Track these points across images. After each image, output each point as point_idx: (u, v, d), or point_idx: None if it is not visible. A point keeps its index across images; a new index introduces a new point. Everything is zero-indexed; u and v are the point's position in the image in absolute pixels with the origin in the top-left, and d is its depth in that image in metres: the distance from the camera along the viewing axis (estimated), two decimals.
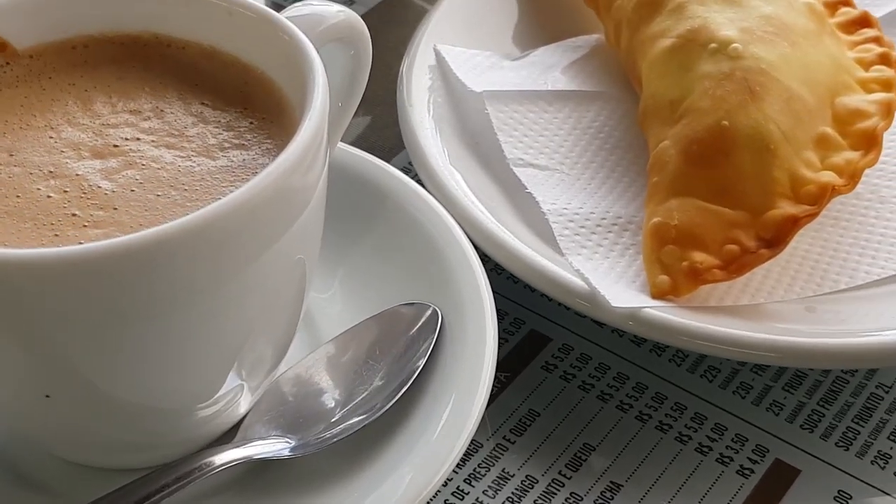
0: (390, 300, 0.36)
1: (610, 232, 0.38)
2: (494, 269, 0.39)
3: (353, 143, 0.40)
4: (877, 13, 0.45)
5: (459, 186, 0.39)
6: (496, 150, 0.41)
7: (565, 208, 0.39)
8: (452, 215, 0.37)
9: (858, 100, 0.38)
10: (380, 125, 0.45)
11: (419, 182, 0.39)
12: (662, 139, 0.38)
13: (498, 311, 0.35)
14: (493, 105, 0.41)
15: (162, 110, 0.33)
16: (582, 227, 0.38)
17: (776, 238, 0.36)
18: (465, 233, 0.37)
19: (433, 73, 0.43)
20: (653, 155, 0.38)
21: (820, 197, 0.36)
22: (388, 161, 0.44)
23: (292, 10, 0.35)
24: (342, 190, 0.37)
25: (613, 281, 0.36)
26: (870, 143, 0.37)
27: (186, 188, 0.31)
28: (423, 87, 0.43)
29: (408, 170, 0.42)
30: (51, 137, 0.32)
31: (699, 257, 0.36)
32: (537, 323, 0.39)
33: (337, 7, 0.35)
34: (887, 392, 0.37)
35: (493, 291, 0.35)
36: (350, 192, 0.38)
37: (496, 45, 0.45)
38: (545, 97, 0.42)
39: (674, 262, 0.36)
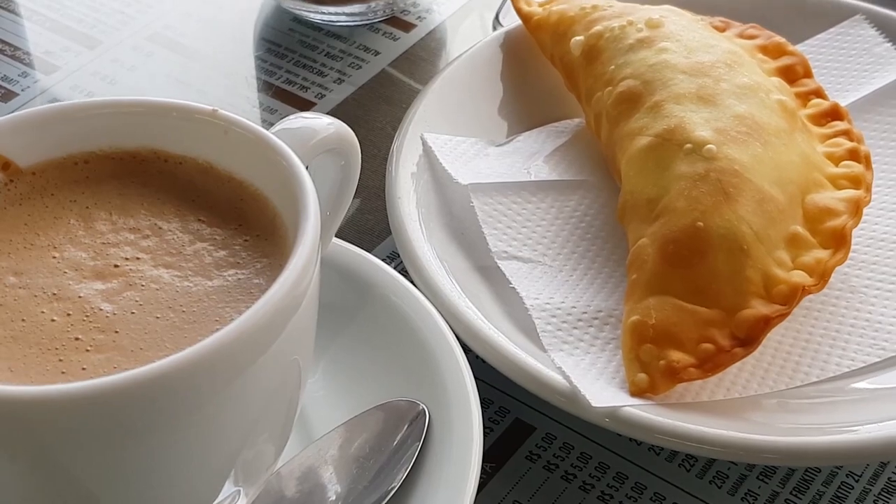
0: (373, 394, 0.38)
1: (591, 326, 0.40)
2: (480, 357, 0.40)
3: (343, 225, 0.42)
4: (849, 98, 0.47)
5: (445, 278, 0.40)
6: (482, 241, 0.42)
7: (548, 303, 0.40)
8: (437, 308, 0.39)
9: (828, 197, 0.40)
10: (369, 209, 0.46)
11: (406, 270, 0.41)
12: (641, 236, 0.40)
13: (483, 399, 0.37)
14: (479, 198, 0.43)
15: (160, 227, 0.34)
16: (564, 321, 0.40)
17: (749, 337, 0.37)
18: (450, 326, 0.38)
19: (420, 161, 0.45)
20: (632, 252, 0.40)
21: (791, 297, 0.38)
22: (376, 245, 0.46)
23: (286, 123, 0.36)
24: (327, 280, 0.38)
25: (594, 378, 0.38)
26: (839, 241, 0.39)
27: (184, 310, 0.32)
28: (411, 176, 0.44)
29: (395, 255, 0.44)
30: (54, 257, 0.33)
31: (676, 356, 0.37)
32: (521, 411, 0.40)
33: (327, 120, 0.36)
34: (857, 481, 0.39)
35: (478, 379, 0.37)
36: (335, 282, 0.40)
37: (483, 128, 0.47)
38: (528, 188, 0.44)
39: (652, 361, 0.37)
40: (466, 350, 0.38)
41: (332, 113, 0.51)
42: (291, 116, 0.37)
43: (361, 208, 0.47)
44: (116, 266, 0.33)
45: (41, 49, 0.53)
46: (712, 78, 0.42)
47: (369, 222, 0.46)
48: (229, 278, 0.33)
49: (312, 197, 0.33)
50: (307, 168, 0.35)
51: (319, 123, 0.36)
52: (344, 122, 0.50)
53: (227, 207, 0.35)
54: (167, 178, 0.35)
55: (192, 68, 0.53)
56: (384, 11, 0.55)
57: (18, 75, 0.52)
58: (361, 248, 0.45)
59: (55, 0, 0.56)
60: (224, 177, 0.35)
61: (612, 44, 0.45)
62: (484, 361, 0.39)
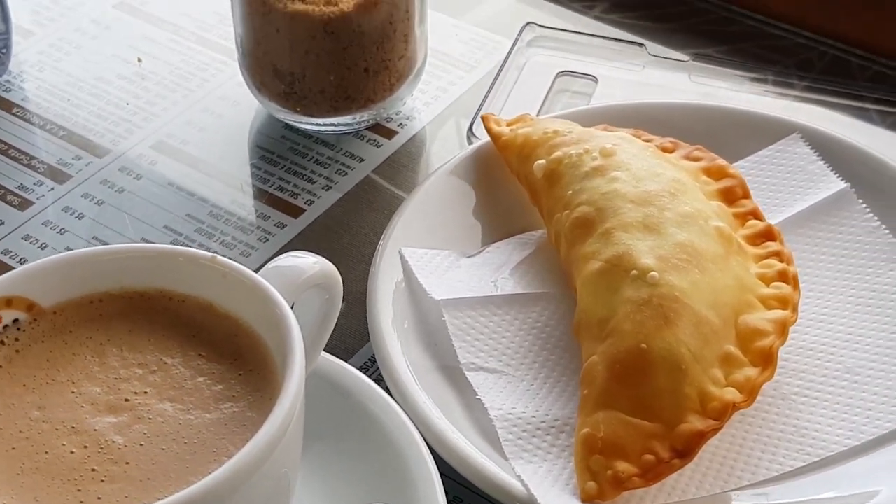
0: (349, 498, 0.43)
1: (548, 434, 0.45)
2: None
3: None
4: (784, 214, 0.52)
5: (417, 389, 0.45)
6: (453, 350, 0.47)
7: (510, 412, 0.45)
8: (409, 417, 0.44)
9: (758, 318, 0.45)
10: (353, 313, 0.51)
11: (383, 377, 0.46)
12: (592, 353, 0.45)
13: (452, 498, 0.42)
14: (450, 312, 0.48)
15: (165, 362, 0.39)
16: (524, 430, 0.45)
17: (686, 449, 0.42)
18: (421, 434, 0.43)
19: (399, 274, 0.50)
20: (584, 368, 0.45)
21: (723, 413, 0.43)
22: (358, 349, 0.51)
23: (277, 262, 0.41)
24: (308, 388, 0.43)
25: (550, 485, 0.43)
26: (767, 360, 0.44)
27: (186, 441, 0.37)
28: (390, 290, 0.49)
29: (374, 360, 0.49)
30: (72, 392, 0.38)
31: (621, 466, 0.42)
32: None
33: (313, 259, 0.41)
34: None
35: (448, 477, 0.42)
36: (315, 391, 0.44)
37: (457, 238, 0.52)
38: (495, 301, 0.49)
39: (600, 470, 0.42)
40: (438, 455, 0.43)
41: (321, 220, 0.56)
42: (283, 255, 0.42)
43: (346, 313, 0.51)
44: (127, 400, 0.38)
45: (55, 158, 0.58)
46: (657, 207, 0.47)
47: (353, 326, 0.51)
48: (225, 411, 0.38)
49: (298, 337, 0.38)
50: (295, 305, 0.40)
51: (306, 262, 0.41)
52: (331, 228, 0.55)
53: (224, 343, 0.40)
54: (172, 316, 0.40)
55: (194, 176, 0.57)
56: (368, 121, 0.60)
57: (34, 184, 0.57)
58: (345, 350, 0.50)
59: (67, 110, 0.61)
60: (222, 315, 0.40)
61: (570, 170, 0.50)
62: None
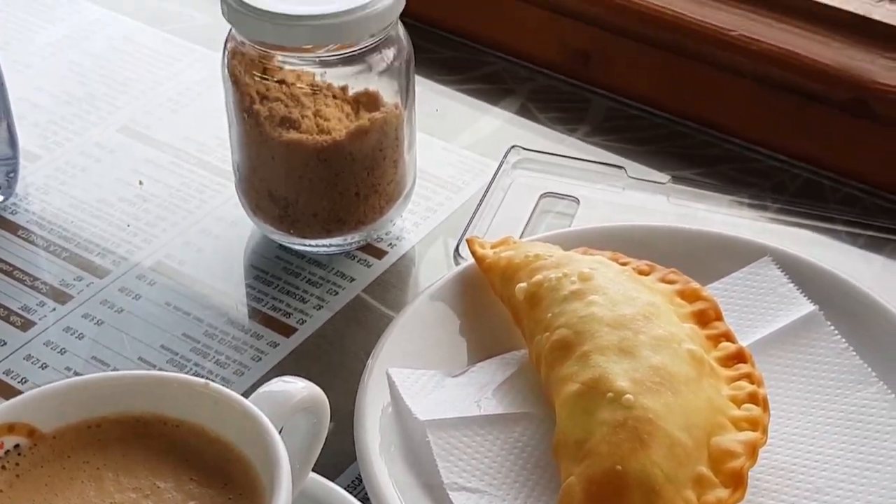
0: None
1: None
2: None
3: None
4: (755, 335, 0.54)
5: None
6: (437, 472, 0.49)
7: None
8: None
9: (729, 440, 0.47)
10: (342, 430, 0.53)
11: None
12: (570, 474, 0.46)
13: None
14: (434, 433, 0.50)
15: (158, 487, 0.41)
16: None
17: None
18: None
19: (385, 395, 0.52)
20: (562, 489, 0.46)
21: None
22: (346, 467, 0.52)
23: (267, 387, 0.43)
24: None
25: None
26: (737, 481, 0.46)
27: None
28: (377, 410, 0.51)
29: (360, 479, 0.50)
30: None
31: None
32: None
33: (302, 384, 0.44)
34: None
35: None
36: None
37: (443, 358, 0.54)
38: (478, 421, 0.51)
39: None
40: None
41: (312, 339, 0.58)
42: (273, 381, 0.44)
43: (335, 431, 0.53)
44: None
45: (57, 279, 0.60)
46: (632, 330, 0.49)
47: (342, 445, 0.53)
48: None
49: (285, 461, 0.40)
50: (283, 428, 0.42)
51: (295, 388, 0.44)
52: (322, 347, 0.57)
53: (215, 468, 0.42)
54: (166, 440, 0.42)
55: (190, 296, 0.60)
56: (359, 241, 0.62)
57: (36, 304, 0.59)
58: (334, 467, 0.52)
59: (70, 231, 0.63)
60: (213, 439, 0.42)
61: (549, 293, 0.52)
62: None
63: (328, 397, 0.46)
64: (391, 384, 0.52)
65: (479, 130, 0.71)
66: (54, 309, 0.59)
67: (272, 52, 0.58)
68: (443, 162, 0.68)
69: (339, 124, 0.59)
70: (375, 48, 0.59)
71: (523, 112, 0.72)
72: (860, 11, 0.65)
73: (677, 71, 0.70)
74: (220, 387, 0.42)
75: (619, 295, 0.51)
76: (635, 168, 0.67)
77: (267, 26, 0.57)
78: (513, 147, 0.67)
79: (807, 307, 0.54)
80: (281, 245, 0.62)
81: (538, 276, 0.53)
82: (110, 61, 0.74)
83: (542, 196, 0.65)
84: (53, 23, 0.77)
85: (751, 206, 0.64)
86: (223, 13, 0.58)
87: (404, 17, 0.59)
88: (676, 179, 0.66)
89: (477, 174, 0.67)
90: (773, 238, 0.60)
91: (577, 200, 0.65)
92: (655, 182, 0.66)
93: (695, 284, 0.53)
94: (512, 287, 0.54)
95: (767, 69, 0.66)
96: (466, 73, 0.75)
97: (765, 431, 0.48)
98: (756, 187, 0.66)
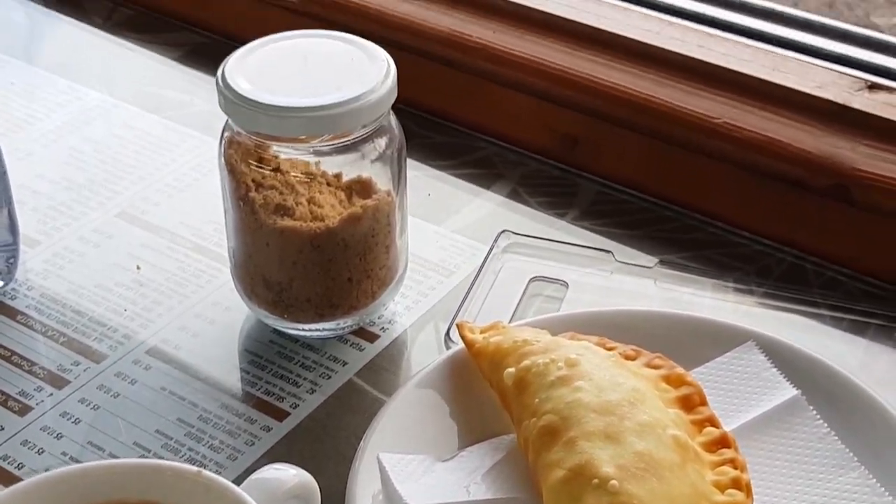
0: None
1: None
2: None
3: None
4: (739, 420, 0.55)
5: None
6: None
7: None
8: None
9: None
10: None
11: None
12: None
13: None
14: None
15: None
16: None
17: None
18: None
19: (376, 480, 0.53)
20: None
21: None
22: None
23: (259, 474, 0.45)
24: None
25: None
26: None
27: None
28: (367, 495, 0.52)
29: None
30: None
31: None
32: None
33: (293, 471, 0.45)
34: None
35: None
36: None
37: (434, 442, 0.55)
38: None
39: None
40: None
41: (305, 424, 0.59)
42: (265, 467, 0.45)
43: None
44: None
45: (54, 364, 0.62)
46: (617, 416, 0.50)
47: None
48: None
49: None
50: None
51: (286, 474, 0.45)
52: (314, 431, 0.58)
53: None
54: None
55: (185, 381, 0.61)
56: (352, 325, 0.63)
57: (34, 390, 0.60)
58: None
59: (68, 316, 0.64)
60: None
61: (537, 378, 0.53)
62: None
63: (320, 482, 0.47)
64: (381, 469, 0.53)
65: (471, 214, 0.72)
66: (51, 394, 0.60)
67: (268, 142, 0.60)
68: (434, 246, 0.70)
69: (333, 211, 0.61)
70: (368, 138, 0.60)
71: (514, 196, 0.74)
72: (839, 100, 0.67)
73: (663, 156, 0.72)
74: (213, 475, 0.43)
75: (605, 381, 0.52)
76: (623, 251, 0.68)
77: (262, 118, 0.58)
78: (503, 232, 0.68)
79: (789, 392, 0.55)
80: (275, 329, 0.64)
81: (526, 362, 0.54)
82: (110, 147, 0.76)
83: (532, 280, 0.67)
84: (55, 110, 0.79)
85: (736, 290, 0.65)
86: (220, 104, 0.59)
87: (397, 103, 0.61)
88: (663, 263, 0.67)
89: (468, 257, 0.69)
90: (757, 322, 0.61)
91: (566, 284, 0.66)
92: (642, 266, 0.67)
93: (680, 370, 0.55)
94: (500, 372, 0.55)
95: (751, 156, 0.68)
96: (458, 158, 0.76)
97: None
98: (741, 271, 0.67)
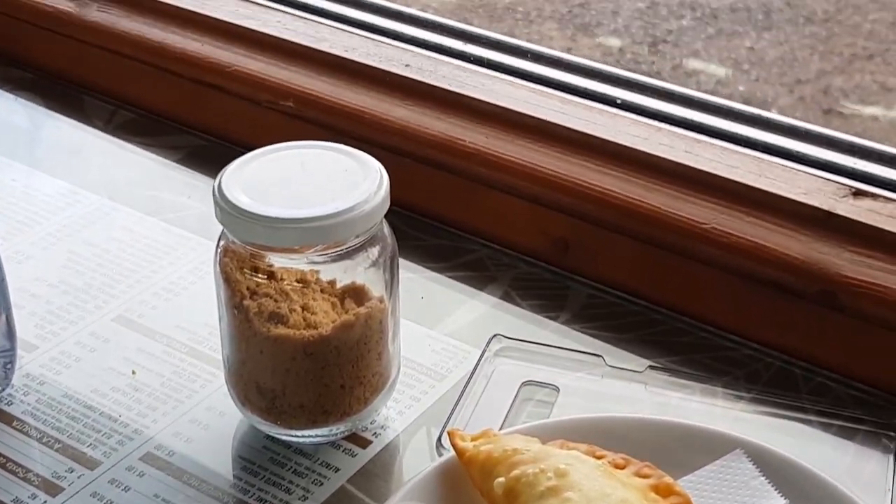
0: None
1: None
2: None
3: None
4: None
5: None
6: None
7: None
8: None
9: None
10: None
11: None
12: None
13: None
14: None
15: None
16: None
17: None
18: None
19: None
20: None
21: None
22: None
23: None
24: None
25: None
26: None
27: None
28: None
29: None
30: None
31: None
32: None
33: None
34: None
35: None
36: None
37: None
38: None
39: None
40: None
41: None
42: None
43: None
44: None
45: (49, 471, 0.62)
46: None
47: None
48: None
49: None
50: None
51: None
52: None
53: None
54: None
55: (179, 489, 0.61)
56: (345, 431, 0.64)
57: (28, 497, 0.60)
58: None
59: (63, 422, 0.65)
60: None
61: (527, 488, 0.54)
62: None
63: None
64: None
65: (463, 317, 0.73)
66: (45, 501, 0.60)
67: (263, 252, 0.61)
68: (427, 349, 0.70)
69: (326, 317, 0.62)
70: (361, 247, 0.61)
71: (506, 298, 0.75)
72: (825, 206, 0.68)
73: (653, 260, 0.73)
74: None
75: (593, 491, 0.53)
76: (614, 354, 0.69)
77: (257, 229, 0.59)
78: (495, 336, 0.69)
79: (778, 501, 0.56)
80: (268, 435, 0.64)
81: (516, 471, 0.55)
82: (108, 251, 0.77)
83: (523, 384, 0.67)
84: (55, 213, 0.80)
85: (725, 394, 0.66)
86: (216, 215, 0.60)
87: (392, 206, 0.62)
88: (653, 368, 0.68)
89: (460, 361, 0.69)
90: (747, 427, 0.62)
91: (557, 389, 0.67)
92: (633, 370, 0.68)
93: (668, 479, 0.55)
94: (491, 481, 0.55)
95: (739, 261, 0.69)
96: (451, 261, 0.77)
97: None
98: (730, 375, 0.68)
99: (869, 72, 2.94)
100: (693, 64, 3.00)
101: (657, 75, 2.97)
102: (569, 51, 3.02)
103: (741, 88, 2.91)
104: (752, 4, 3.19)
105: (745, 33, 3.10)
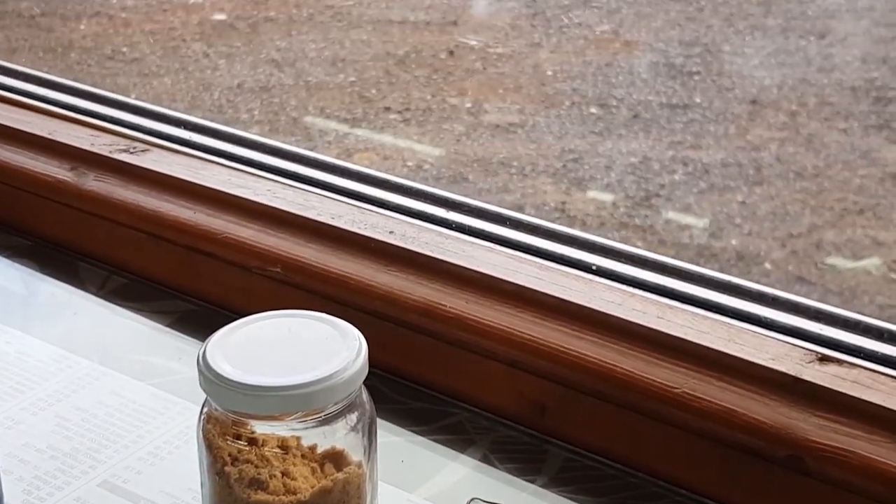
0: None
1: None
2: None
3: None
4: None
5: None
6: None
7: None
8: None
9: None
10: None
11: None
12: None
13: None
14: None
15: None
16: None
17: None
18: None
19: None
20: None
21: None
22: None
23: None
24: None
25: None
26: None
27: None
28: None
29: None
30: None
31: None
32: None
33: None
34: None
35: None
36: None
37: None
38: None
39: None
40: None
41: None
42: None
43: None
44: None
45: None
46: None
47: None
48: None
49: None
50: None
51: None
52: None
53: None
54: None
55: None
56: None
57: None
58: None
59: None
60: None
61: None
62: None
63: None
64: None
65: (443, 480, 0.74)
66: None
67: (244, 419, 0.62)
68: None
69: (306, 483, 0.63)
70: (340, 413, 0.63)
71: (485, 461, 0.76)
72: (792, 372, 0.70)
73: (628, 424, 0.75)
74: None
75: None
76: None
77: (239, 397, 0.61)
78: (472, 500, 0.70)
79: None
80: None
81: None
82: (96, 416, 0.79)
83: None
84: (46, 378, 0.82)
85: None
86: (199, 383, 0.62)
87: (374, 369, 0.64)
88: None
89: None
90: None
91: None
92: None
93: None
94: None
95: (709, 425, 0.71)
96: (431, 424, 0.79)
97: None
98: None
99: (860, 226, 3.00)
100: (686, 219, 3.05)
101: (650, 229, 3.02)
102: (563, 204, 3.08)
103: (734, 242, 2.96)
104: (742, 160, 3.26)
105: (737, 188, 3.17)
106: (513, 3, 4.18)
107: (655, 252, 0.93)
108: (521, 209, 2.92)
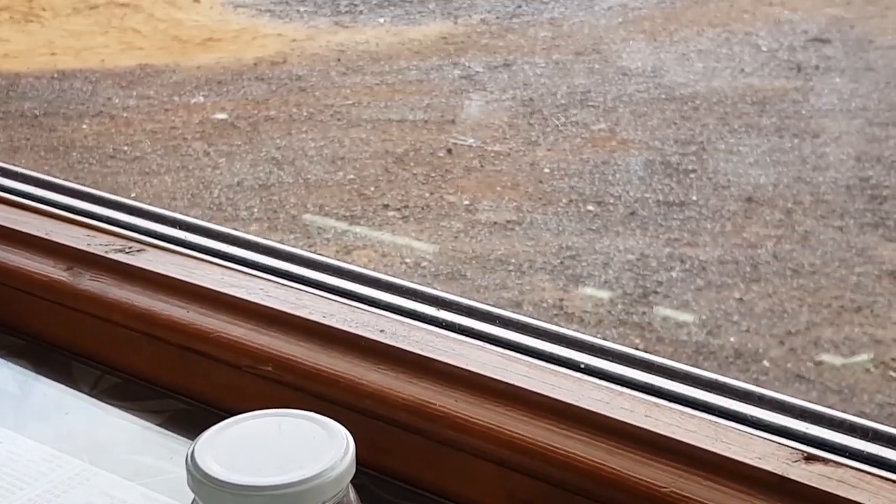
0: None
1: None
2: None
3: None
4: None
5: None
6: None
7: None
8: None
9: None
10: None
11: None
12: None
13: None
14: None
15: None
16: None
17: None
18: None
19: None
20: None
21: None
22: None
23: None
24: None
25: None
26: None
27: None
28: None
29: None
30: None
31: None
32: None
33: None
34: None
35: None
36: None
37: None
38: None
39: None
40: None
41: None
42: None
43: None
44: None
45: None
46: None
47: None
48: None
49: None
50: None
51: None
52: None
53: None
54: None
55: None
56: None
57: None
58: None
59: None
60: None
61: None
62: None
63: None
64: None
65: None
66: None
67: None
68: None
69: None
70: None
71: None
72: (778, 471, 0.71)
73: None
74: None
75: None
76: None
77: (227, 496, 0.62)
78: None
79: None
80: None
81: None
82: None
83: None
84: (37, 478, 0.82)
85: None
86: (188, 482, 0.63)
87: (363, 469, 0.64)
88: None
89: None
90: None
91: None
92: None
93: None
94: None
95: None
96: None
97: None
98: None
99: (858, 324, 3.01)
100: (684, 317, 3.06)
101: (648, 326, 3.03)
102: (560, 301, 3.09)
103: (732, 340, 2.97)
104: (739, 257, 3.29)
105: (734, 285, 3.18)
106: (510, 102, 4.25)
107: (654, 349, 0.94)
108: (518, 306, 2.93)
